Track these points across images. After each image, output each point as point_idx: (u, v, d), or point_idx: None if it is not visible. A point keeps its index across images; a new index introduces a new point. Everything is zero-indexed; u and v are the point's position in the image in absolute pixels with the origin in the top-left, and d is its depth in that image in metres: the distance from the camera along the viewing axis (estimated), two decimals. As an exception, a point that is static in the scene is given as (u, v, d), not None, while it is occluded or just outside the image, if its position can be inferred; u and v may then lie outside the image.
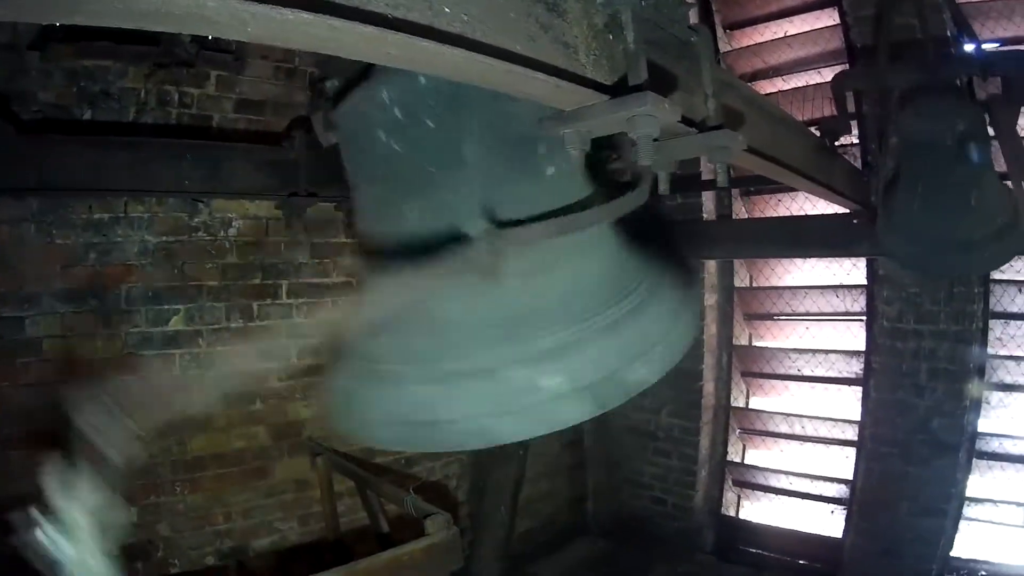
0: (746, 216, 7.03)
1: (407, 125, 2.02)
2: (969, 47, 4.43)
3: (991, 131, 4.05)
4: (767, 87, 6.60)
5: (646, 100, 1.52)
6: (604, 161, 2.10)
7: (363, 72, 2.14)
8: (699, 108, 1.94)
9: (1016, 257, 5.16)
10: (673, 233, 5.76)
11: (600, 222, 1.93)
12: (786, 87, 6.54)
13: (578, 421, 2.03)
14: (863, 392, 6.23)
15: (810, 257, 6.57)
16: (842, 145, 4.76)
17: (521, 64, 1.39)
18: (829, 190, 3.79)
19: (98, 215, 4.46)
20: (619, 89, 1.61)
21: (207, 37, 4.31)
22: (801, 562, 6.70)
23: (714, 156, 1.88)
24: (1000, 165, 4.08)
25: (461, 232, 1.85)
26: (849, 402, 6.48)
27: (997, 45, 5.30)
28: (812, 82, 6.35)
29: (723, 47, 6.79)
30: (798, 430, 6.83)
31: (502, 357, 1.98)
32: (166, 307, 4.73)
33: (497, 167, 1.98)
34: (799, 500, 6.88)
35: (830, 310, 6.62)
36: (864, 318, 6.26)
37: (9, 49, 4.00)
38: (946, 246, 4.23)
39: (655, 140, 1.71)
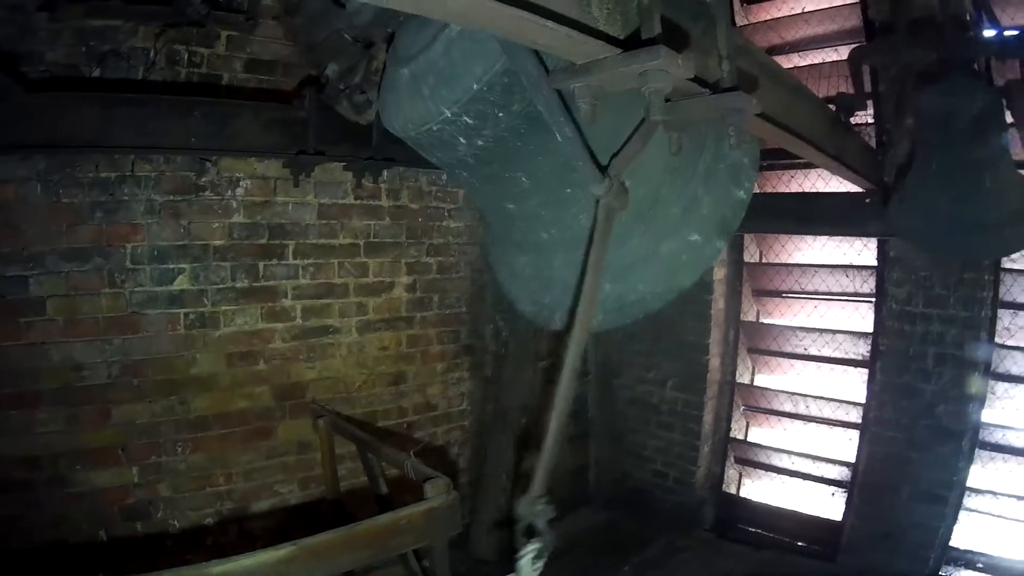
0: (758, 191, 6.97)
1: (481, 126, 2.16)
2: (989, 31, 4.37)
3: (1009, 118, 4.01)
4: (783, 63, 6.51)
5: (659, 54, 1.50)
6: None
7: (363, 54, 2.25)
8: (713, 69, 1.92)
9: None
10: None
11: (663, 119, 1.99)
12: (802, 63, 6.47)
13: (723, 249, 2.57)
14: (869, 374, 6.20)
15: (821, 235, 6.52)
16: (857, 124, 4.73)
17: (531, 11, 1.37)
18: (842, 164, 3.77)
19: (105, 174, 4.44)
20: (632, 43, 1.59)
21: (219, -2, 4.32)
22: (800, 543, 6.69)
23: (728, 118, 1.85)
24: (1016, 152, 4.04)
25: (592, 196, 2.05)
26: (855, 384, 6.45)
27: (1017, 32, 5.25)
28: (829, 59, 6.28)
29: (740, 21, 6.72)
30: (802, 409, 6.81)
31: (653, 236, 2.42)
32: (171, 266, 4.71)
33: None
34: (800, 480, 6.86)
35: (839, 290, 6.58)
36: (873, 299, 6.22)
37: (18, 9, 3.96)
38: (959, 226, 4.20)
39: (668, 99, 1.68)
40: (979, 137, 3.88)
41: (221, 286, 4.92)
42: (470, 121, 2.11)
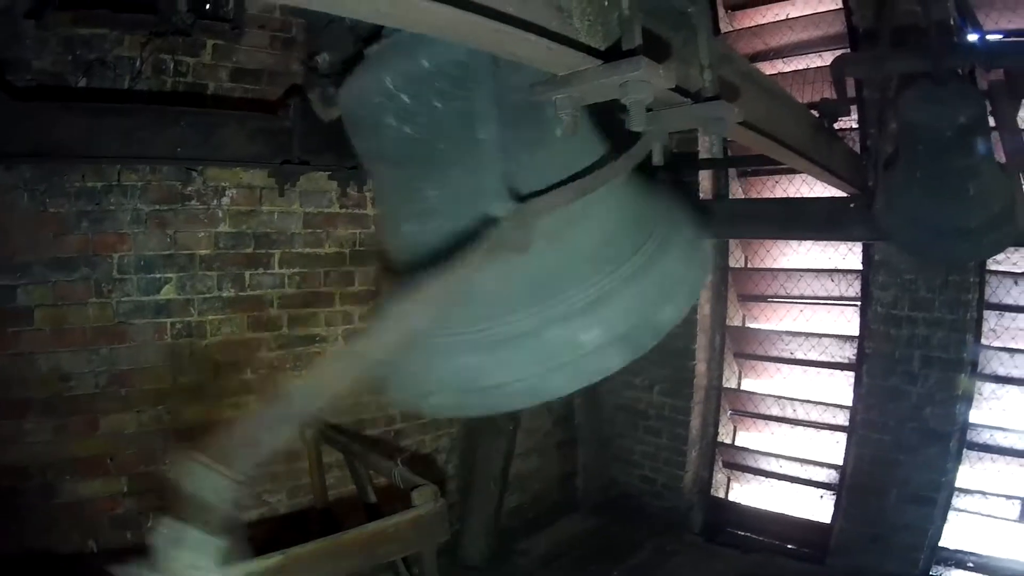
0: (743, 196, 7.01)
1: (416, 110, 2.01)
2: (972, 36, 4.40)
3: (992, 121, 4.04)
4: (768, 69, 6.56)
5: (639, 65, 1.51)
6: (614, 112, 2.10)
7: (356, 47, 2.16)
8: (695, 79, 1.93)
9: (1012, 249, 5.18)
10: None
11: (617, 176, 1.93)
12: (787, 69, 6.52)
13: (619, 367, 2.09)
14: (855, 377, 6.25)
15: (806, 239, 6.57)
16: (841, 129, 4.75)
17: (512, 24, 1.38)
18: (826, 171, 3.79)
19: (91, 183, 4.43)
20: (613, 54, 1.60)
21: (204, 6, 4.32)
22: (789, 546, 6.73)
23: (709, 127, 1.86)
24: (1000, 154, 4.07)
25: (488, 215, 1.85)
26: (841, 387, 6.50)
27: (1001, 36, 5.29)
28: (813, 65, 6.34)
29: (724, 27, 6.78)
30: (789, 413, 6.85)
31: (540, 318, 2.03)
32: (158, 276, 4.71)
33: (511, 140, 1.97)
34: (788, 484, 6.91)
35: (825, 294, 6.62)
36: (859, 303, 6.27)
37: (4, 17, 3.96)
38: (943, 232, 4.22)
39: (649, 109, 1.70)
40: (964, 146, 3.90)
41: (207, 295, 4.92)
42: (407, 101, 2.04)
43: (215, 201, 4.91)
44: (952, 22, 4.62)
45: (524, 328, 2.04)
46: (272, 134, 4.39)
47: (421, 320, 1.76)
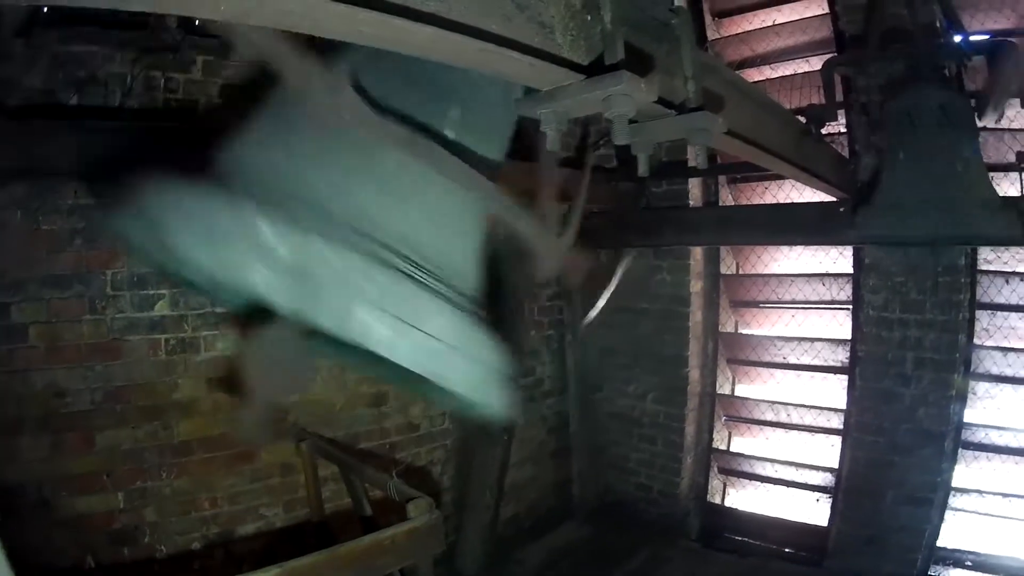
0: (732, 203, 7.04)
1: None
2: (958, 38, 4.44)
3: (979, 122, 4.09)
4: (755, 75, 6.60)
5: (621, 79, 1.53)
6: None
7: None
8: (679, 90, 1.95)
9: (1003, 248, 5.21)
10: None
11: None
12: (774, 75, 6.55)
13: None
14: (849, 381, 6.26)
15: (796, 244, 6.60)
16: (829, 134, 4.78)
17: (495, 43, 1.40)
18: (813, 176, 3.81)
19: (84, 200, 4.43)
20: (595, 69, 1.62)
21: (194, 22, 4.33)
22: (786, 550, 6.73)
23: (693, 138, 1.89)
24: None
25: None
26: (835, 390, 6.51)
27: (987, 37, 5.33)
28: (800, 70, 6.36)
29: (711, 35, 6.80)
30: (784, 418, 6.86)
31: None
32: (151, 292, 4.71)
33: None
34: (784, 488, 6.91)
35: (816, 298, 6.65)
36: (850, 307, 6.29)
37: (-8, 36, 3.98)
38: (927, 206, 4.26)
39: (633, 121, 1.72)
40: (947, 126, 3.96)
41: (200, 311, 4.91)
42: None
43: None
44: (938, 25, 4.66)
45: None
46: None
47: None
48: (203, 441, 4.95)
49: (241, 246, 2.01)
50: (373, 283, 2.09)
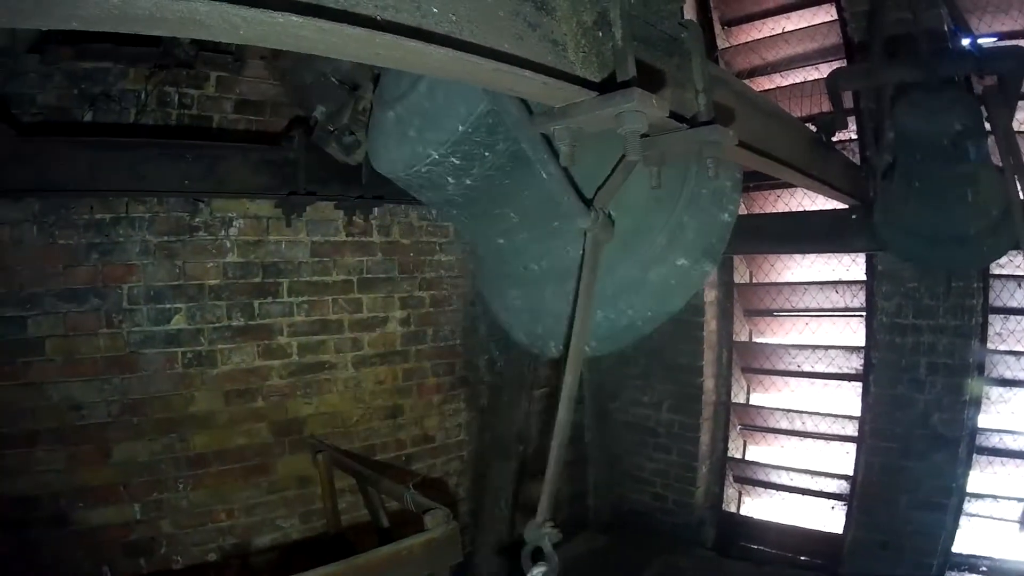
0: (745, 212, 7.03)
1: (468, 166, 2.22)
2: (965, 41, 4.42)
3: (988, 125, 4.06)
4: (765, 83, 6.62)
5: (633, 96, 1.54)
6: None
7: (350, 96, 2.31)
8: (690, 103, 1.96)
9: (1015, 253, 5.19)
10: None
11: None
12: (784, 83, 6.55)
13: (711, 272, 2.59)
14: (863, 387, 6.24)
15: (809, 253, 6.59)
16: (840, 141, 4.78)
17: (508, 63, 1.42)
18: (825, 185, 3.81)
19: (99, 215, 4.48)
20: (608, 86, 1.63)
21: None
22: (802, 557, 6.71)
23: (705, 151, 1.90)
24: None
25: (580, 227, 2.13)
26: (849, 398, 6.50)
27: (995, 40, 5.31)
28: (810, 78, 6.36)
29: (721, 44, 6.81)
30: (798, 426, 6.85)
31: (639, 266, 2.43)
32: (167, 306, 4.75)
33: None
34: (800, 496, 6.89)
35: (830, 306, 6.63)
36: (863, 314, 6.27)
37: (7, 52, 4.00)
38: (942, 239, 4.25)
39: (645, 135, 1.73)
40: (960, 153, 3.93)
41: (217, 325, 4.96)
42: (457, 162, 2.16)
43: (223, 232, 4.95)
44: (945, 29, 4.65)
45: (631, 279, 2.43)
46: (277, 165, 4.43)
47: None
48: (219, 453, 4.98)
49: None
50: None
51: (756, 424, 7.27)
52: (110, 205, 4.51)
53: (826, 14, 6.20)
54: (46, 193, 4.06)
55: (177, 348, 4.82)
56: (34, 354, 4.30)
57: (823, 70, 6.10)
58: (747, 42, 6.78)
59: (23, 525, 4.27)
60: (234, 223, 4.99)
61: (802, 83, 6.38)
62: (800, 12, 6.42)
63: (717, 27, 6.79)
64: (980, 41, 4.46)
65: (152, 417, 4.70)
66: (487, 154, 2.14)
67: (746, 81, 6.43)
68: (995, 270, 5.65)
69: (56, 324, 4.37)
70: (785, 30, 6.48)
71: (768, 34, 6.59)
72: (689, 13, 6.49)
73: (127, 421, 4.61)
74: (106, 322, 4.55)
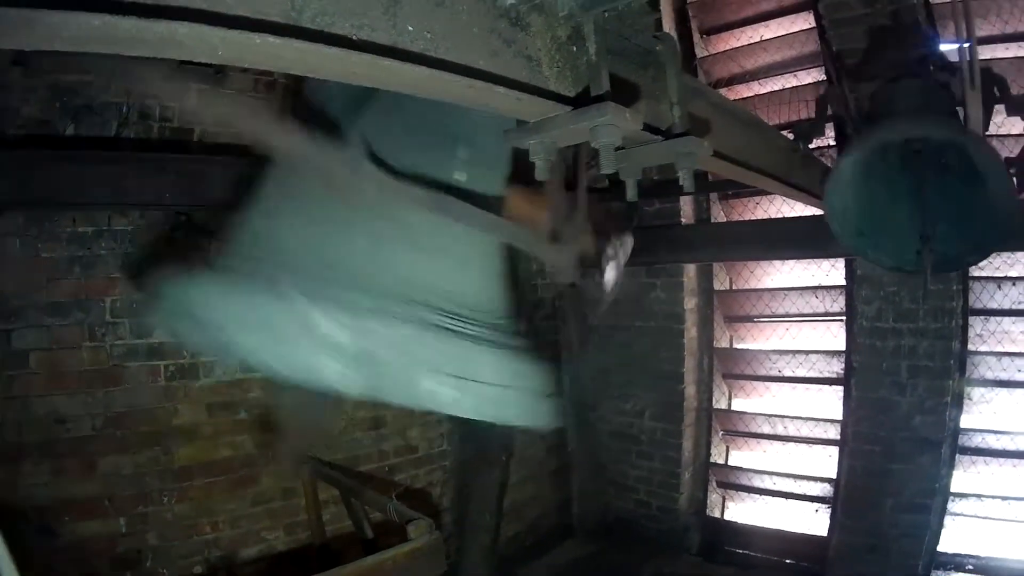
0: (724, 219, 7.08)
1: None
2: (944, 47, 4.45)
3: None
4: (744, 91, 6.66)
5: (607, 110, 1.57)
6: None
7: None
8: (665, 115, 1.98)
9: (994, 255, 5.23)
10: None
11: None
12: (762, 91, 6.59)
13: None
14: (845, 391, 6.28)
15: (787, 258, 6.61)
16: (818, 148, 4.81)
17: (483, 79, 1.44)
18: (803, 192, 3.84)
19: (82, 228, 4.48)
20: (582, 100, 1.66)
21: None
22: (787, 561, 6.74)
23: (680, 162, 1.92)
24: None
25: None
26: (831, 402, 6.54)
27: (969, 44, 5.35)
28: (788, 85, 6.41)
29: (700, 52, 6.84)
30: (781, 431, 6.88)
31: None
32: (150, 319, 4.74)
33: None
34: (783, 500, 6.92)
35: (810, 311, 6.68)
36: (844, 318, 6.32)
37: (-10, 65, 4.01)
38: (900, 238, 4.26)
39: (620, 148, 1.76)
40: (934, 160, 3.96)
41: (200, 337, 4.94)
42: None
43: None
44: (923, 33, 4.69)
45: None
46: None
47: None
48: (204, 466, 4.98)
49: (305, 345, 2.17)
50: (428, 349, 2.28)
51: (738, 429, 7.30)
52: (93, 218, 4.51)
53: (804, 22, 6.24)
54: (29, 206, 4.07)
55: (160, 361, 4.81)
56: (19, 367, 4.30)
57: (801, 77, 6.16)
58: (726, 51, 6.81)
59: (10, 539, 4.25)
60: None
61: (780, 90, 6.43)
62: (779, 20, 6.46)
63: (696, 36, 6.83)
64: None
65: (136, 430, 4.70)
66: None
67: (725, 89, 6.48)
68: (974, 272, 5.70)
69: (40, 337, 4.36)
70: (764, 38, 6.51)
71: (747, 42, 6.62)
72: (668, 23, 6.52)
73: (111, 434, 4.60)
74: (89, 335, 4.55)
